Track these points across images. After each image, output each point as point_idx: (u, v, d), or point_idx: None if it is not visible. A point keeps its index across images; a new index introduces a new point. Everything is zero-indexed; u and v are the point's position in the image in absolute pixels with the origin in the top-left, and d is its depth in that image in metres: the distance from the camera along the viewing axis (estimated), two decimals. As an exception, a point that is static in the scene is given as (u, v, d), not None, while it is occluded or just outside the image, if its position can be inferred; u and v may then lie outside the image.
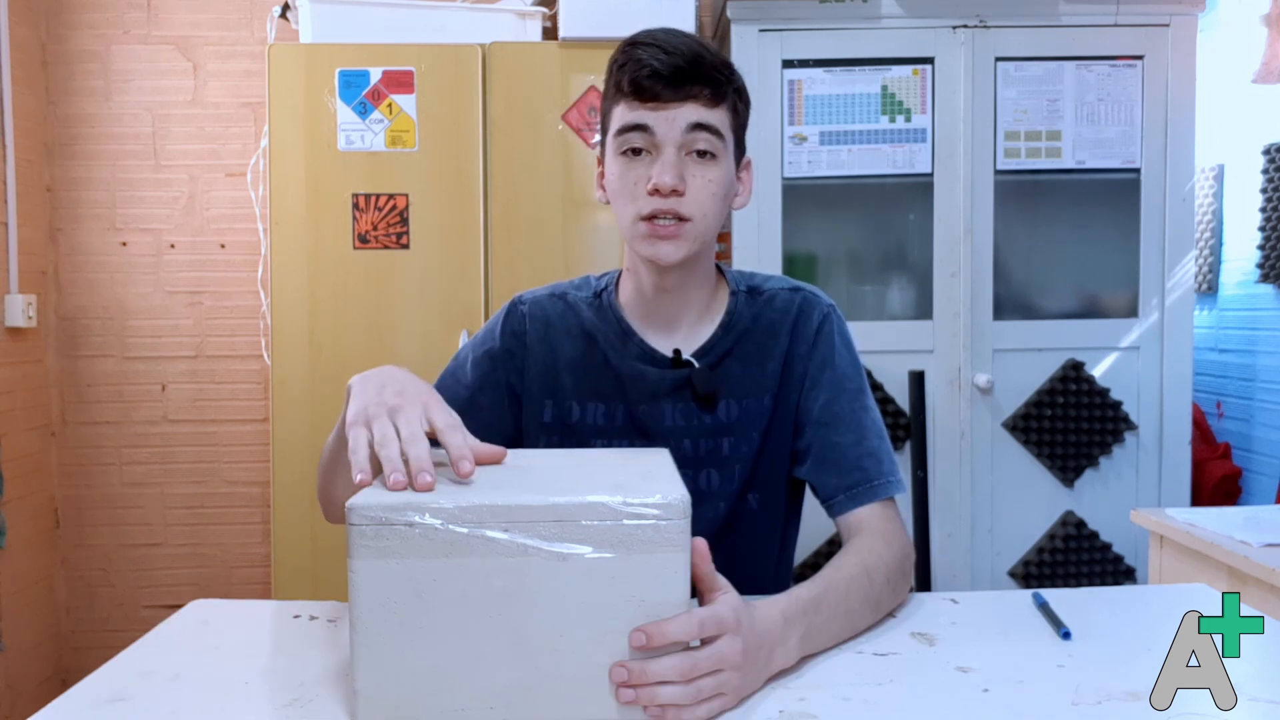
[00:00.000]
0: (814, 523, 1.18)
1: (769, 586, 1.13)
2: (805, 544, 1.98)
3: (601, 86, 2.37)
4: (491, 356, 1.13)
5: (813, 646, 0.85)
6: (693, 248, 1.02)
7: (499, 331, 1.14)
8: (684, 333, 1.10)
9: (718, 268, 1.15)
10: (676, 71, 0.98)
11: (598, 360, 1.11)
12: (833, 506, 1.06)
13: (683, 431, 1.09)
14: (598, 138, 2.25)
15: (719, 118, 1.01)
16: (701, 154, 1.00)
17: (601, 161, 1.09)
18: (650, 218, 1.00)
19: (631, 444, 1.09)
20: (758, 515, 1.11)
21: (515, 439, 1.13)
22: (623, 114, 1.01)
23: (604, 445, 1.10)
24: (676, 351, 1.09)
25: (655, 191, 0.99)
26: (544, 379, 1.11)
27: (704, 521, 1.08)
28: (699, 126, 0.99)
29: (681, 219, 1.00)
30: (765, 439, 1.09)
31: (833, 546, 2.28)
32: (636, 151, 1.01)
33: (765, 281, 1.14)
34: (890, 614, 0.96)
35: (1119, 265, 2.37)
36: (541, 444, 1.11)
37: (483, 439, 0.99)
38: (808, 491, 1.15)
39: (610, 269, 1.20)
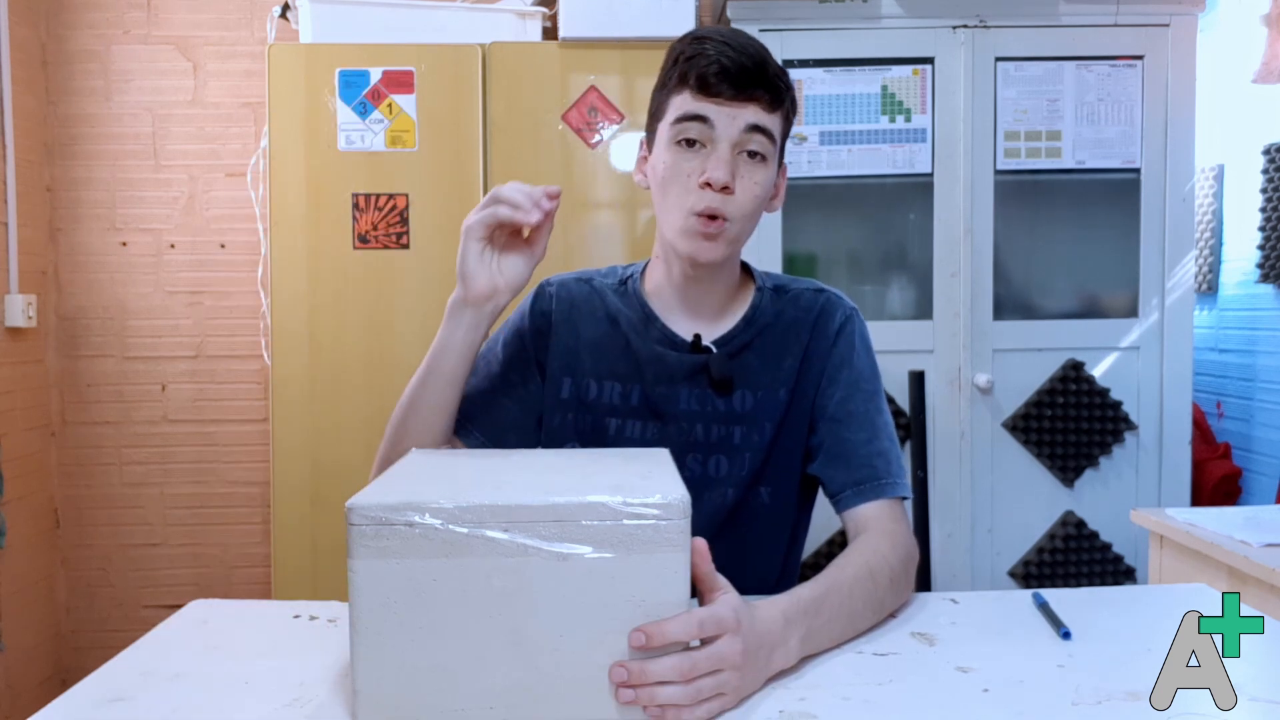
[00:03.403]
0: (816, 522, 1.19)
1: (776, 582, 1.13)
2: (807, 544, 1.97)
3: (601, 87, 2.36)
4: (520, 335, 1.15)
5: (813, 647, 0.85)
6: (729, 250, 1.05)
7: (527, 312, 1.17)
8: (706, 322, 1.12)
9: (745, 264, 1.17)
10: (743, 71, 1.00)
11: (619, 342, 1.13)
12: (840, 502, 1.07)
13: (696, 416, 1.10)
14: (598, 137, 2.25)
15: (774, 123, 1.03)
16: (752, 155, 1.03)
17: (644, 146, 1.12)
18: (695, 210, 1.02)
19: (644, 425, 1.11)
20: (768, 509, 1.11)
21: None
22: (683, 103, 1.03)
23: (618, 424, 1.11)
24: (697, 336, 1.10)
25: (707, 185, 1.01)
26: (565, 357, 1.14)
27: (711, 507, 1.10)
28: (756, 128, 1.01)
29: (724, 219, 1.02)
30: (779, 432, 1.10)
31: (834, 547, 2.28)
32: (690, 143, 1.02)
33: (792, 282, 1.16)
34: (891, 614, 0.96)
35: (1119, 265, 2.37)
36: (557, 420, 1.13)
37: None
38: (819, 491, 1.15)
39: (611, 268, 1.21)
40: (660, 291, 1.14)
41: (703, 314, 1.12)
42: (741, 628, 0.75)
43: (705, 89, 1.01)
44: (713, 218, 1.02)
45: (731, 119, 1.01)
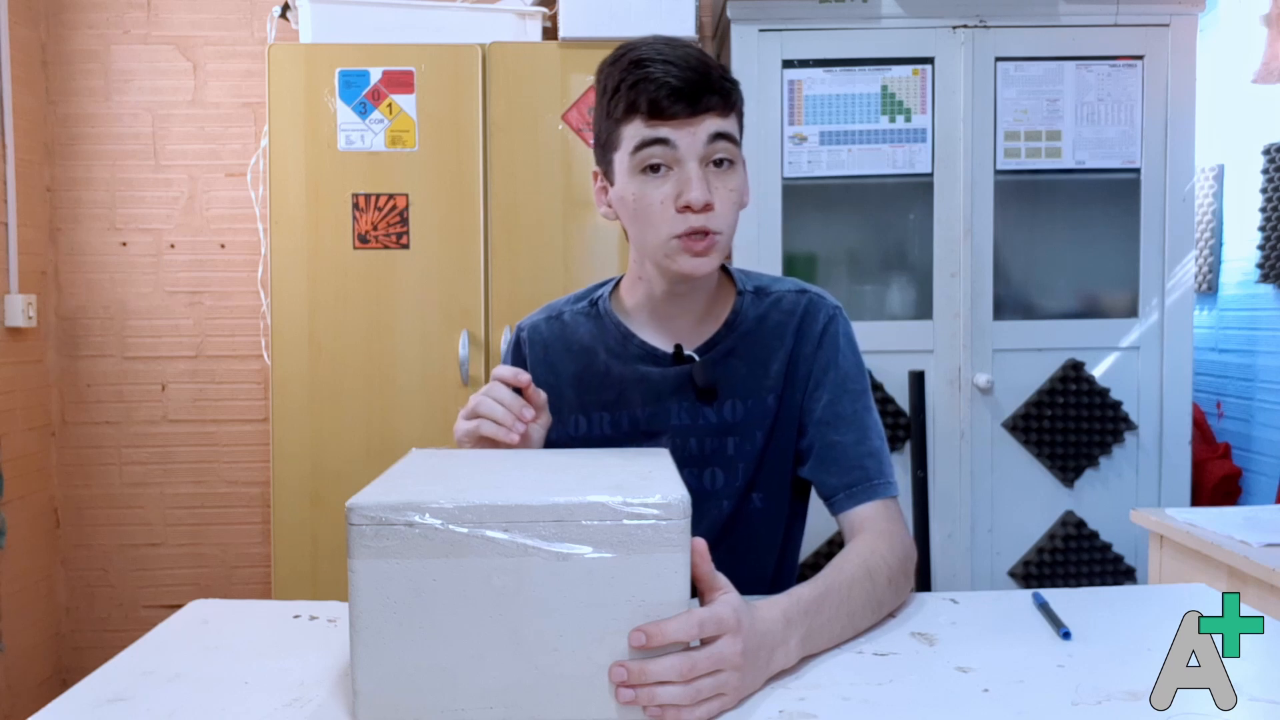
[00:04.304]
0: (814, 523, 1.19)
1: (773, 585, 1.13)
2: (805, 545, 1.98)
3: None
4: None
5: (813, 647, 0.85)
6: (721, 259, 1.04)
7: (509, 363, 1.15)
8: (687, 332, 1.11)
9: (723, 268, 1.15)
10: (693, 86, 0.97)
11: (599, 370, 1.12)
12: (834, 504, 1.07)
13: (688, 430, 1.09)
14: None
15: (731, 125, 1.02)
16: (719, 163, 1.01)
17: (601, 177, 1.08)
18: (683, 233, 1.00)
19: (638, 447, 1.09)
20: (762, 514, 1.11)
21: None
22: (639, 130, 0.99)
23: None
24: (678, 346, 1.09)
25: (687, 208, 0.99)
26: (548, 398, 1.12)
27: (708, 520, 1.09)
28: (719, 136, 1.00)
29: (711, 233, 1.01)
30: (769, 438, 1.09)
31: (833, 547, 2.28)
32: (655, 168, 1.00)
33: (773, 283, 1.14)
34: (890, 614, 0.96)
35: (1119, 265, 2.37)
36: None
37: None
38: (813, 492, 1.15)
39: (610, 269, 1.21)
40: (639, 308, 1.12)
41: (683, 325, 1.11)
42: (742, 628, 0.75)
43: (658, 113, 0.98)
44: (702, 234, 1.00)
45: (692, 135, 0.98)
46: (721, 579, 0.78)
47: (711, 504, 1.09)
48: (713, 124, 0.99)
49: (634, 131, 1.00)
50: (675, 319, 1.10)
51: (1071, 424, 2.32)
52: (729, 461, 1.09)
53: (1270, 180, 2.46)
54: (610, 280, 1.18)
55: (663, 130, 0.98)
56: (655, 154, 0.99)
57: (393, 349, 2.26)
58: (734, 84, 1.02)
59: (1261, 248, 2.49)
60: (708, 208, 0.99)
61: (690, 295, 1.09)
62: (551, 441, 1.12)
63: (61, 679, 2.71)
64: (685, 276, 1.04)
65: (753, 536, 1.11)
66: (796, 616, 0.82)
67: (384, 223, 2.25)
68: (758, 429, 1.09)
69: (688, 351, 1.09)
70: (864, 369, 1.12)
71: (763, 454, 1.09)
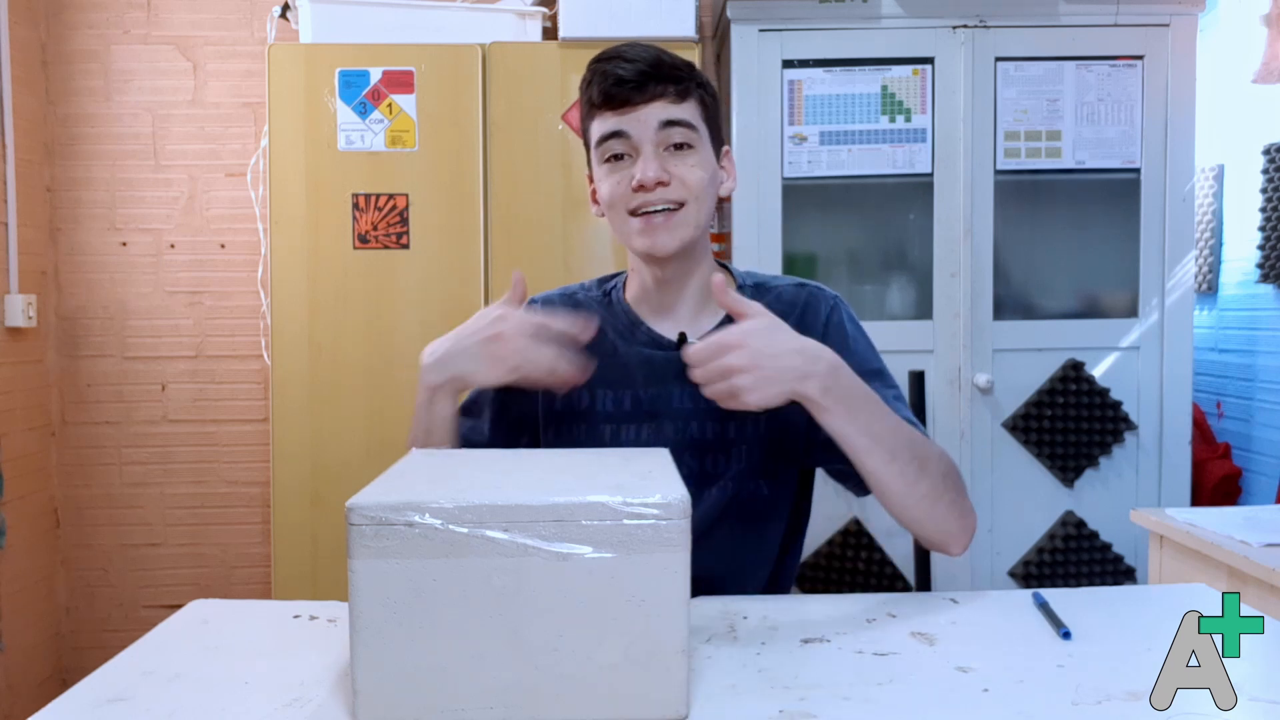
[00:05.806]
0: (816, 524, 1.19)
1: (773, 575, 1.14)
2: (807, 545, 1.97)
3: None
4: None
5: (840, 400, 0.95)
6: (687, 233, 1.09)
7: None
8: (689, 322, 1.15)
9: (724, 266, 1.19)
10: (640, 75, 1.05)
11: (606, 350, 1.15)
12: None
13: (690, 414, 1.12)
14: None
15: (688, 111, 1.08)
16: (679, 147, 1.07)
17: (592, 179, 1.15)
18: (636, 210, 1.07)
19: (639, 428, 1.13)
20: (764, 500, 1.13)
21: None
22: (599, 126, 1.08)
23: (613, 430, 1.13)
24: (682, 335, 1.13)
25: (640, 187, 1.05)
26: None
27: (709, 502, 1.11)
28: (670, 122, 1.06)
29: (672, 207, 1.07)
30: (772, 424, 1.11)
31: (833, 547, 2.28)
32: (619, 158, 1.08)
33: (773, 280, 1.19)
34: (890, 614, 0.96)
35: (1119, 265, 2.37)
36: (552, 432, 1.16)
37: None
38: (813, 493, 1.16)
39: (608, 268, 1.24)
40: (639, 300, 1.17)
41: (683, 315, 1.15)
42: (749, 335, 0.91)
43: (610, 103, 1.06)
44: (658, 209, 1.06)
45: (643, 122, 1.06)
46: (753, 306, 0.92)
47: (714, 487, 1.11)
48: (662, 109, 1.06)
49: (597, 126, 1.09)
50: (674, 308, 1.15)
51: (1071, 424, 2.32)
52: (730, 445, 1.11)
53: (1270, 180, 2.46)
54: (622, 273, 1.24)
55: (616, 121, 1.06)
56: (615, 146, 1.08)
57: (393, 349, 2.26)
58: (690, 74, 1.08)
59: (1261, 248, 2.49)
60: (660, 184, 1.05)
61: (677, 280, 1.13)
62: (556, 412, 1.16)
63: (61, 679, 2.71)
64: (647, 255, 1.09)
65: (754, 522, 1.13)
66: (843, 375, 0.94)
67: (384, 223, 2.25)
68: (760, 415, 1.10)
69: (691, 338, 1.12)
70: (874, 347, 1.15)
71: (765, 441, 1.11)
